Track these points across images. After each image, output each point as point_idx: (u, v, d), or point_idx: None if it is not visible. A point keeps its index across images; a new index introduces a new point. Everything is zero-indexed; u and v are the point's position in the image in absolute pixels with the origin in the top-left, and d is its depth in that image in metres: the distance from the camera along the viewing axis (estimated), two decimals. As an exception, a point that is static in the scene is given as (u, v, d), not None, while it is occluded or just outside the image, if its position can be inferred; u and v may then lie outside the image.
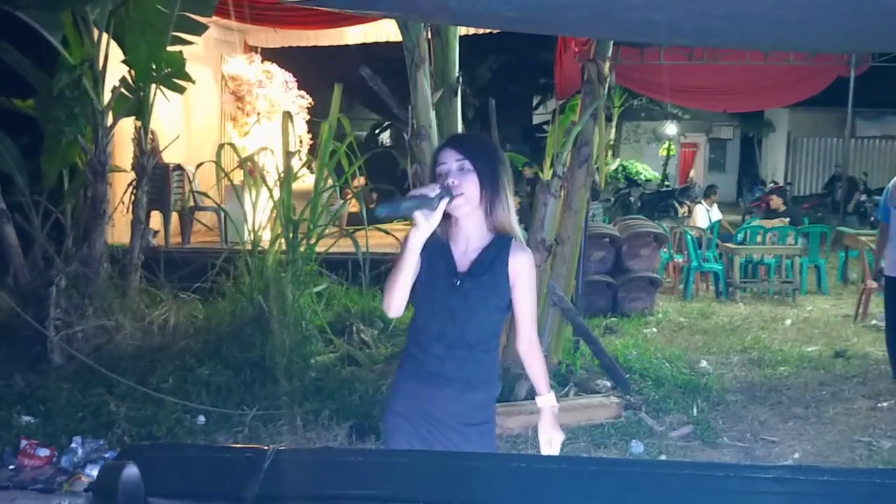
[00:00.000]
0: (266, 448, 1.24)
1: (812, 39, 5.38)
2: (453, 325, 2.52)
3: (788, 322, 8.66)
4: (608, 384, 5.98)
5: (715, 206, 12.02)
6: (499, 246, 2.54)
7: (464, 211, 2.49)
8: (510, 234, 2.55)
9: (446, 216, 2.46)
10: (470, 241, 2.55)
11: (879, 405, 5.92)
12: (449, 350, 2.53)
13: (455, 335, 2.52)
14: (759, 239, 10.42)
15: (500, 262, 2.52)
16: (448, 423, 2.56)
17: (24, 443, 4.64)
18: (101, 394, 5.52)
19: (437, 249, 2.51)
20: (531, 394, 5.54)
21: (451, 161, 2.49)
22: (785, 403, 5.96)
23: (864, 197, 18.54)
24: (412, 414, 2.58)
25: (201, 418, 5.30)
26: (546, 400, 2.70)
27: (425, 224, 2.37)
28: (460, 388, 2.55)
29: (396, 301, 2.47)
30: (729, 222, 12.40)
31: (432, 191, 2.37)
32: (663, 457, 4.93)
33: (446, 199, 2.39)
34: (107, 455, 4.66)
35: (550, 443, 2.69)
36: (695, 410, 5.68)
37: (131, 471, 1.18)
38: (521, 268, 2.55)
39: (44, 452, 4.60)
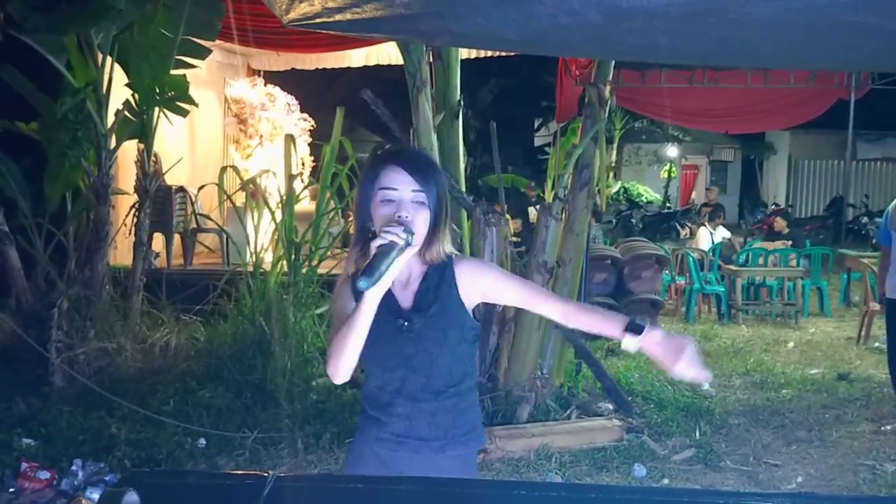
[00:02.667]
0: (266, 475, 1.24)
1: (812, 59, 5.41)
2: (414, 375, 2.13)
3: (791, 344, 8.64)
4: (610, 407, 5.96)
5: (720, 227, 12.04)
6: (439, 269, 2.16)
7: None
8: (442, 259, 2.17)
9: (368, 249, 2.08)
10: (408, 274, 2.16)
11: (883, 428, 5.89)
12: (414, 404, 2.15)
13: (418, 385, 2.14)
14: (760, 261, 10.42)
15: (446, 284, 2.15)
16: None
17: (24, 465, 4.63)
18: (102, 416, 5.51)
19: None
20: (532, 417, 5.58)
21: (406, 189, 2.07)
22: (788, 427, 5.94)
23: (865, 219, 18.56)
24: None
25: (202, 441, 5.28)
26: (650, 337, 2.03)
27: (388, 276, 1.98)
28: (439, 445, 2.16)
29: (346, 365, 2.03)
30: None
31: (399, 236, 1.97)
32: (666, 480, 4.91)
33: (412, 247, 2.02)
34: (107, 478, 4.65)
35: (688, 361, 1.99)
36: (697, 433, 5.65)
37: (132, 498, 1.19)
38: (476, 273, 2.19)
39: (44, 475, 4.58)
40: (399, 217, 2.04)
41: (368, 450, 2.21)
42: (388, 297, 2.07)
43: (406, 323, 2.11)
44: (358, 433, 2.26)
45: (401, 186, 2.07)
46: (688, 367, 1.98)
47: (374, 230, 2.07)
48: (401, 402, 2.15)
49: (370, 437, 2.20)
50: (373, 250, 1.96)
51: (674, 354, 1.99)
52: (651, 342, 2.02)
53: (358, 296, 2.02)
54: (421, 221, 2.07)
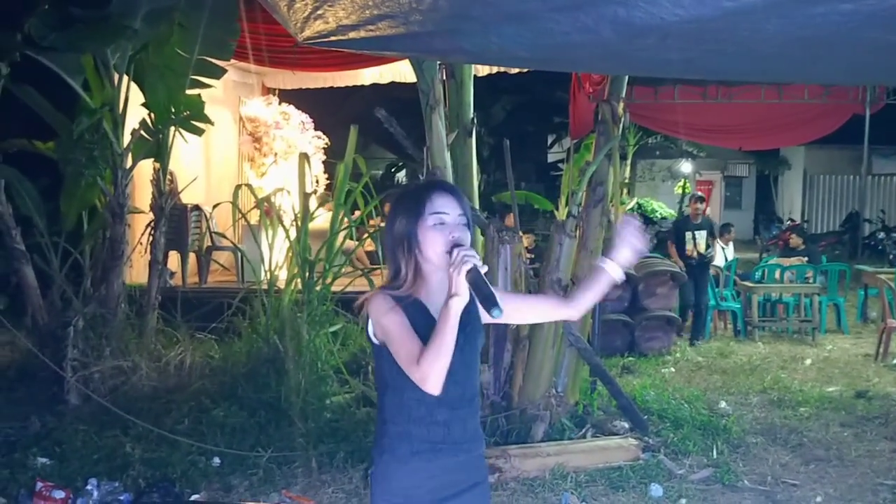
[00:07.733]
0: None
1: (827, 74, 5.39)
2: (454, 386, 2.28)
3: (808, 362, 8.57)
4: (626, 426, 5.92)
5: (731, 244, 11.95)
6: None
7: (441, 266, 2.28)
8: None
9: (418, 273, 2.32)
10: (441, 295, 2.25)
11: (903, 447, 5.83)
12: (453, 412, 2.33)
13: (456, 395, 2.32)
14: (776, 277, 10.35)
15: (474, 306, 2.32)
16: (459, 489, 2.36)
17: (39, 485, 4.63)
18: (117, 435, 5.52)
19: (415, 312, 2.28)
20: (547, 436, 5.54)
21: (454, 214, 2.30)
22: (806, 445, 5.88)
23: (882, 234, 18.43)
24: (414, 497, 2.33)
25: (216, 460, 5.27)
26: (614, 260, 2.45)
27: (466, 292, 2.18)
28: (468, 447, 2.39)
29: (444, 375, 2.17)
30: (746, 260, 12.33)
31: (476, 257, 2.18)
32: (683, 501, 4.86)
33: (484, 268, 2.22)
34: (122, 497, 4.66)
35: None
36: (714, 452, 5.60)
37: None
38: None
39: (59, 495, 4.58)
40: (453, 237, 2.26)
41: (400, 468, 2.32)
42: (430, 318, 2.26)
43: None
44: (387, 454, 2.33)
45: (451, 211, 2.31)
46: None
47: (422, 249, 2.29)
48: (441, 410, 2.30)
49: (404, 454, 2.31)
50: (463, 277, 2.15)
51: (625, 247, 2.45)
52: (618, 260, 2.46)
53: (413, 314, 2.25)
54: (465, 242, 2.28)
